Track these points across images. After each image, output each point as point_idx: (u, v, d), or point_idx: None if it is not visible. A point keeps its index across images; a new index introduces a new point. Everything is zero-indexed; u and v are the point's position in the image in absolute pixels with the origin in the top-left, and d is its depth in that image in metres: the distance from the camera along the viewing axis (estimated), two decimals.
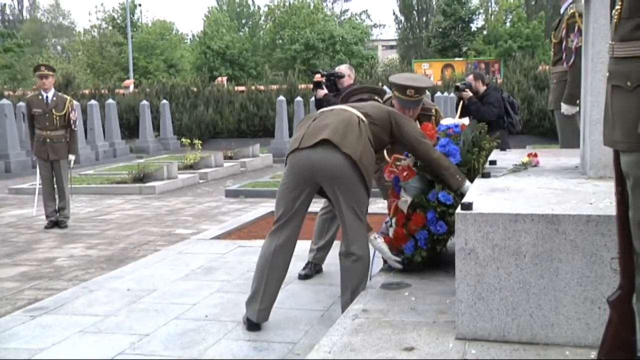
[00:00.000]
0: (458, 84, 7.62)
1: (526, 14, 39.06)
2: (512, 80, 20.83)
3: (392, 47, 55.18)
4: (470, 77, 7.66)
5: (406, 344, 2.64)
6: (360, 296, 3.37)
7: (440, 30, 38.56)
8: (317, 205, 5.03)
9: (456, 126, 3.63)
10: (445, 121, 3.75)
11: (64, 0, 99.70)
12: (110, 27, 40.63)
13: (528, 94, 19.93)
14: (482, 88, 7.52)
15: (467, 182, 3.45)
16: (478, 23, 40.34)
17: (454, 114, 5.47)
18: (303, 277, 4.86)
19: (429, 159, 3.50)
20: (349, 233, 3.57)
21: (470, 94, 7.50)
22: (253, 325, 3.79)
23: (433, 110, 4.36)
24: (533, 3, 44.10)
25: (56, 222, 7.98)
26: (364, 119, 3.56)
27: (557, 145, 6.17)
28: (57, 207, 8.03)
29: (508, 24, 38.26)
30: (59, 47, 54.14)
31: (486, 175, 3.45)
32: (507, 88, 20.38)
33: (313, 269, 4.94)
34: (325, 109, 3.79)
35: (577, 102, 5.26)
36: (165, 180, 11.70)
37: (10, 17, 60.04)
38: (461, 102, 5.07)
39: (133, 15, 39.93)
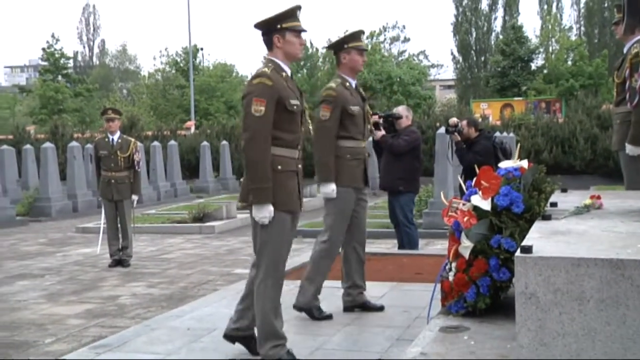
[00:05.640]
0: (448, 127, 7.75)
1: (588, 52, 38.44)
2: (574, 119, 20.46)
3: (450, 87, 55.12)
4: (464, 122, 7.82)
5: None
6: (419, 339, 3.33)
7: (499, 69, 38.29)
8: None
9: (515, 169, 3.58)
10: (504, 164, 3.71)
11: (130, 45, 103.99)
12: (173, 71, 41.98)
13: (591, 134, 19.52)
14: (473, 134, 7.64)
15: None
16: (538, 62, 39.91)
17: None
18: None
19: None
20: None
21: (458, 137, 7.61)
22: None
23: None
24: (596, 41, 43.46)
25: (119, 260, 8.19)
26: None
27: (622, 186, 6.01)
28: (120, 246, 8.25)
29: (569, 63, 37.71)
30: (124, 91, 56.28)
31: (547, 217, 3.38)
32: (569, 128, 20.01)
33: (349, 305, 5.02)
34: None
35: None
36: (224, 220, 11.90)
37: (82, 64, 62.90)
38: (519, 145, 5.01)
39: (195, 59, 41.19)
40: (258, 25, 3.83)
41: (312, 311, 4.87)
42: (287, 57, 3.85)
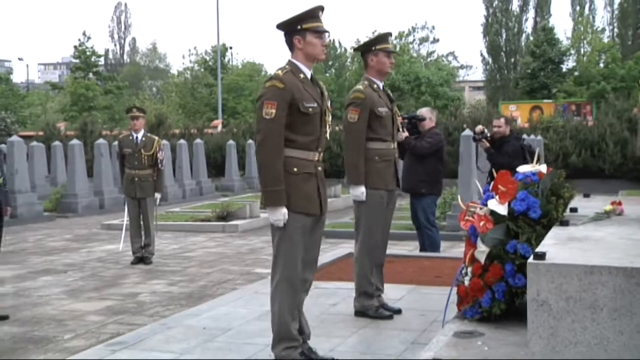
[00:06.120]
0: (474, 135, 7.79)
1: (621, 54, 37.74)
2: (604, 122, 20.11)
3: (479, 88, 54.60)
4: (502, 120, 7.87)
5: None
6: (432, 344, 3.30)
7: (529, 71, 37.81)
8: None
9: (533, 174, 3.53)
10: (522, 169, 3.65)
11: (160, 44, 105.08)
12: (202, 69, 42.25)
13: (621, 137, 19.18)
14: (508, 133, 7.70)
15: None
16: (569, 64, 39.32)
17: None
18: None
19: None
20: None
21: (487, 144, 7.63)
22: None
23: None
24: (629, 43, 42.67)
25: (142, 258, 8.25)
26: None
27: None
28: (142, 244, 8.31)
29: (601, 65, 37.07)
30: (154, 89, 56.76)
31: (564, 223, 3.33)
32: (598, 131, 19.70)
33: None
34: None
35: None
36: (247, 219, 11.92)
37: (112, 62, 63.68)
38: (537, 150, 4.94)
39: (224, 58, 41.36)
40: (279, 26, 3.81)
41: (366, 313, 4.91)
42: (307, 58, 3.79)
